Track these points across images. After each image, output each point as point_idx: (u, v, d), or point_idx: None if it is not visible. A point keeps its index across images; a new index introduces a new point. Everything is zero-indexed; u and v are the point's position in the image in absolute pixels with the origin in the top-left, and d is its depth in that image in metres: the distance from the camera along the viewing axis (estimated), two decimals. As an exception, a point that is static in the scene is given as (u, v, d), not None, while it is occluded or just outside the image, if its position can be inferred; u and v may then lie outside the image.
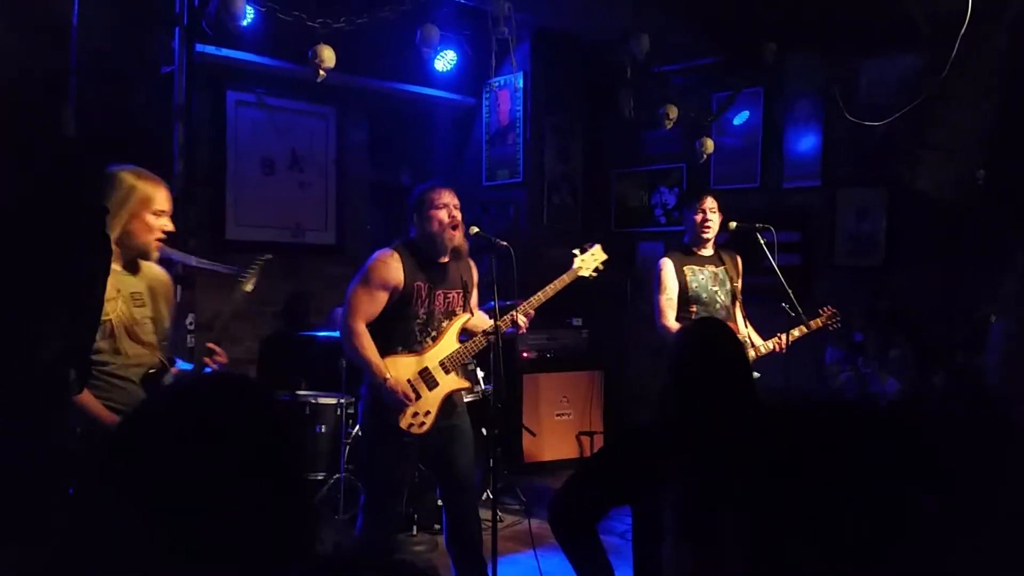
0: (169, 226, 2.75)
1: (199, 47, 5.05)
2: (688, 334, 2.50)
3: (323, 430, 4.83)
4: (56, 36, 1.40)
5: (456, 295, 3.45)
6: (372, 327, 3.34)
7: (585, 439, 6.24)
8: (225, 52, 5.34)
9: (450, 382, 3.40)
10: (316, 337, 4.95)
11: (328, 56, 4.36)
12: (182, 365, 2.88)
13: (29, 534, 1.35)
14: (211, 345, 2.81)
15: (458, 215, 3.38)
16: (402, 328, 3.36)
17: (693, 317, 4.19)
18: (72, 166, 1.41)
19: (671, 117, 5.67)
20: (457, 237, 3.39)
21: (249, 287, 2.91)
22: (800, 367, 4.43)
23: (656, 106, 5.70)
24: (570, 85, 6.79)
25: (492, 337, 3.40)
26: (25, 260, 1.34)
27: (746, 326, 4.39)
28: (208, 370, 2.78)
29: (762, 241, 4.32)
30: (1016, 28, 4.68)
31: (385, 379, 3.26)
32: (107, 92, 4.34)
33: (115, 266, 2.61)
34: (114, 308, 2.60)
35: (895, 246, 5.40)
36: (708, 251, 4.35)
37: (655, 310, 4.28)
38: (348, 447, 4.81)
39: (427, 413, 3.34)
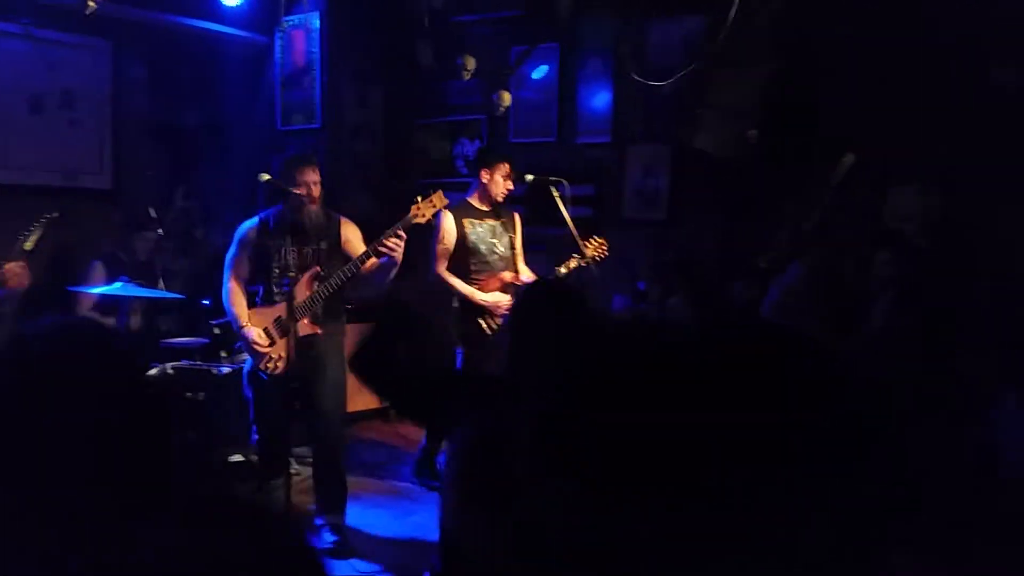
0: None
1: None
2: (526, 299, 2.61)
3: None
4: None
5: (311, 251, 3.84)
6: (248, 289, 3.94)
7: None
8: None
9: (300, 328, 3.76)
10: (83, 290, 4.49)
11: (99, -17, 3.99)
12: None
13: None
14: None
15: None
16: (264, 283, 3.91)
17: (471, 267, 4.41)
18: None
19: (469, 68, 5.68)
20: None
21: (29, 245, 2.71)
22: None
23: (455, 56, 5.67)
24: (368, 29, 6.58)
25: (351, 276, 3.79)
26: None
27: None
28: None
29: (556, 194, 4.45)
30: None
31: (241, 327, 3.85)
32: None
33: None
34: None
35: (677, 201, 5.72)
36: (487, 207, 4.47)
37: (432, 257, 4.44)
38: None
39: (280, 357, 3.84)
